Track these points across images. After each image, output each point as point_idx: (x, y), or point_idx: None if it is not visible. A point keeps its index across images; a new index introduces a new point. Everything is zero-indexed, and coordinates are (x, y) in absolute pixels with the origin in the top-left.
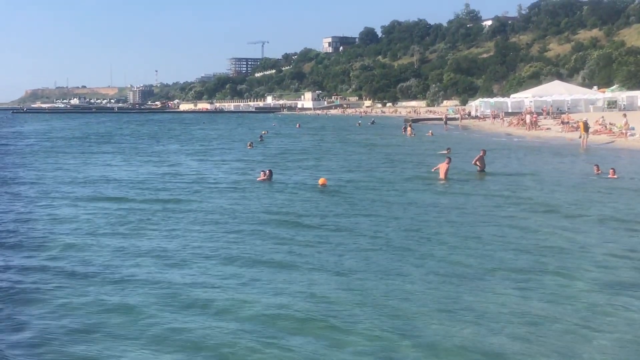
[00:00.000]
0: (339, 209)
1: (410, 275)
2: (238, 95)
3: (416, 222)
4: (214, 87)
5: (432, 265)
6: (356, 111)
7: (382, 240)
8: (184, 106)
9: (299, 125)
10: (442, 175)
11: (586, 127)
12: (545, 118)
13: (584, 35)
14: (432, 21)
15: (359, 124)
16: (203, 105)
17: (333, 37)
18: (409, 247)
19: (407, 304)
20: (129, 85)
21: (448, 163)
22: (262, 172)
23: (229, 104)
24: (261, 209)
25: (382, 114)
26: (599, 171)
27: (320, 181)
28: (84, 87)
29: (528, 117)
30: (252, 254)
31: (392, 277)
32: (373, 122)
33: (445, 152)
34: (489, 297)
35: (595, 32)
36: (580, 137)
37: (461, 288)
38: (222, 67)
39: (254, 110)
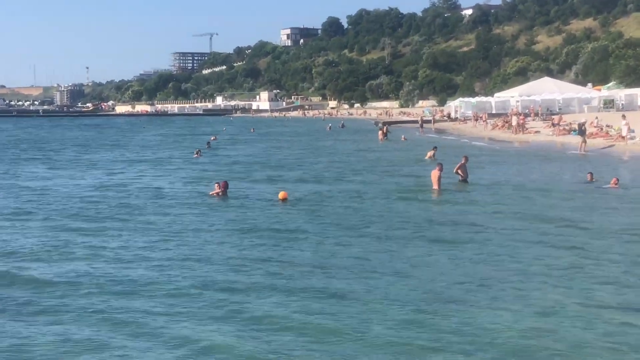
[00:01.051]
0: (308, 226)
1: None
2: (183, 95)
3: (405, 247)
4: (154, 86)
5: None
6: (319, 113)
7: (366, 264)
8: (120, 108)
9: (254, 130)
10: (435, 186)
11: (581, 130)
12: (533, 120)
13: (576, 25)
14: (405, 10)
15: (330, 127)
16: (142, 108)
17: (292, 29)
18: (389, 269)
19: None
20: (56, 85)
21: (440, 170)
22: (215, 185)
23: (172, 105)
24: (217, 227)
25: (350, 116)
26: (593, 179)
27: (281, 195)
28: (2, 87)
29: (514, 119)
30: (203, 282)
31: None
32: (343, 126)
33: (432, 153)
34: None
35: (589, 22)
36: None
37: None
38: (164, 63)
39: (201, 112)
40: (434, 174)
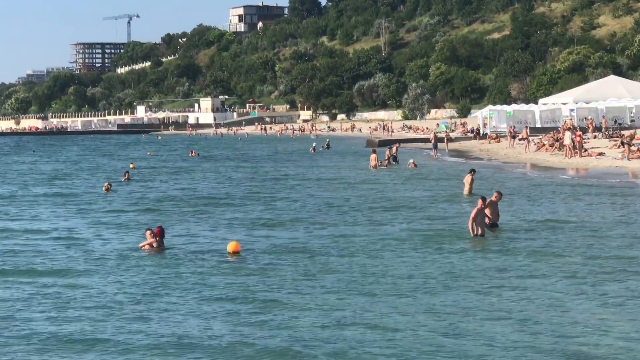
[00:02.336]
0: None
1: None
2: (89, 104)
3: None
4: (47, 92)
5: None
6: (286, 128)
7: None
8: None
9: (195, 154)
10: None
11: None
12: (595, 137)
13: None
14: None
15: (313, 149)
16: (31, 123)
17: (246, 7)
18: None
19: None
20: None
21: (482, 206)
22: (147, 233)
23: (73, 119)
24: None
25: (331, 132)
26: None
27: (230, 247)
28: None
29: (568, 136)
30: None
31: None
32: (328, 146)
33: (469, 179)
34: None
35: None
36: None
37: None
38: (62, 58)
39: (115, 129)
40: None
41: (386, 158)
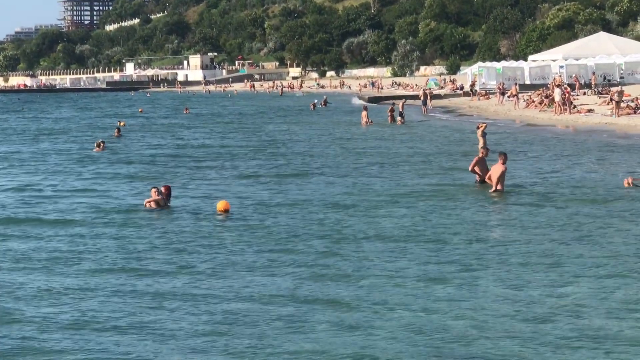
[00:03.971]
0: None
1: None
2: (78, 62)
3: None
4: (36, 49)
5: None
6: (274, 86)
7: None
8: None
9: (188, 111)
10: (496, 185)
11: None
12: (584, 93)
13: None
14: None
15: (314, 105)
16: (19, 81)
17: None
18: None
19: None
20: None
21: (503, 163)
22: (152, 190)
23: (62, 77)
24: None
25: (321, 89)
26: None
27: (220, 205)
28: None
29: (557, 92)
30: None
31: None
32: (325, 103)
33: (479, 131)
34: None
35: None
36: None
37: None
38: (50, 16)
39: (104, 86)
40: (495, 169)
41: (389, 113)
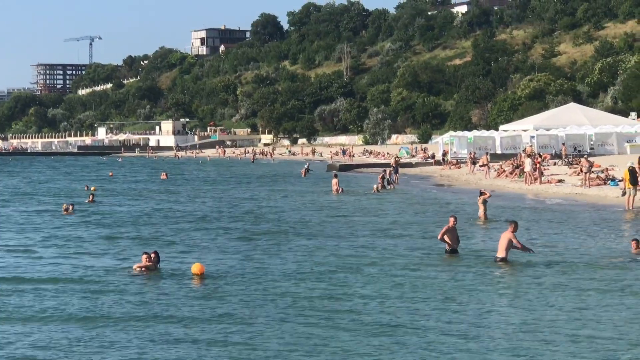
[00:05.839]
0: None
1: None
2: (50, 125)
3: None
4: (8, 112)
5: None
6: (245, 153)
7: None
8: None
9: (166, 176)
10: (500, 251)
11: (633, 178)
12: (555, 164)
13: (613, 30)
14: (371, 5)
15: (305, 170)
16: None
17: (209, 30)
18: None
19: None
20: None
21: (513, 230)
22: (144, 256)
23: (33, 140)
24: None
25: (292, 156)
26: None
27: (195, 268)
28: None
29: (528, 163)
30: None
31: None
32: (308, 170)
33: (481, 198)
34: None
35: (632, 26)
36: (623, 193)
37: None
38: (23, 79)
39: (76, 151)
40: (505, 236)
41: (380, 181)
